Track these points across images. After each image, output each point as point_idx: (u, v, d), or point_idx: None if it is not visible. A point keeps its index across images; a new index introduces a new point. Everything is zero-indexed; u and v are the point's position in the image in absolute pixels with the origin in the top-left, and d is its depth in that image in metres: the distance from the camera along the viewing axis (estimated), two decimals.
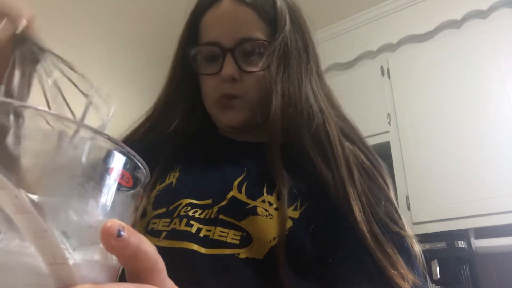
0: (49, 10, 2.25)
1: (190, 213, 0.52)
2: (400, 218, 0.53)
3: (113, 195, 0.25)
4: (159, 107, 0.65)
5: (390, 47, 2.21)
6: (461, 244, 1.66)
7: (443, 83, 1.89)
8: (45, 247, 0.21)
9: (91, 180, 0.24)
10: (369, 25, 2.31)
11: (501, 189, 1.62)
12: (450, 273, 1.66)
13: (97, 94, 0.26)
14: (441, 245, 1.68)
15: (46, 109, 0.22)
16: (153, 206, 0.55)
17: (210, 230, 0.50)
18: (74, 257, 0.22)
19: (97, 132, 0.24)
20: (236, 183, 0.53)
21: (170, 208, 0.53)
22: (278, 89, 0.56)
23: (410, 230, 0.53)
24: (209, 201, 0.52)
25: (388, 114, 2.01)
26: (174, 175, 0.59)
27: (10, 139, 0.24)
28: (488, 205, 1.63)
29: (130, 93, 3.09)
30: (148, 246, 0.24)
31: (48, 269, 0.21)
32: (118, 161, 0.25)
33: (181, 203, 0.53)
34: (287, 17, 0.60)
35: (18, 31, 0.37)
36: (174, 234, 0.50)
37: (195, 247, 0.48)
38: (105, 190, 0.24)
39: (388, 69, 2.10)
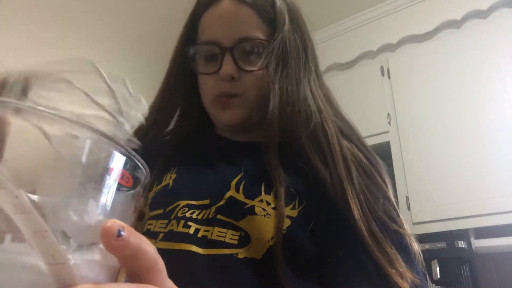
0: (49, 10, 2.25)
1: (187, 214, 0.51)
2: (398, 216, 0.53)
3: (113, 195, 0.25)
4: (156, 107, 0.65)
5: (390, 47, 2.21)
6: (461, 244, 1.66)
7: (443, 83, 1.89)
8: (45, 247, 0.21)
9: (91, 180, 0.24)
10: (369, 25, 2.31)
11: (501, 189, 1.62)
12: (450, 273, 1.66)
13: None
14: (441, 245, 1.68)
15: (46, 109, 0.22)
16: (149, 208, 0.55)
17: (208, 231, 0.49)
18: (74, 257, 0.22)
19: (97, 132, 0.24)
20: (233, 183, 0.53)
21: (167, 209, 0.53)
22: (276, 88, 0.56)
23: (408, 228, 0.53)
24: (206, 201, 0.52)
25: (388, 114, 2.01)
26: (170, 176, 0.59)
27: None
28: (488, 205, 1.63)
29: None
30: (148, 246, 0.24)
31: (48, 269, 0.21)
32: (118, 161, 0.25)
33: (179, 204, 0.53)
34: (286, 17, 0.60)
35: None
36: (172, 236, 0.50)
37: (193, 248, 0.48)
38: (105, 190, 0.24)
39: (388, 69, 2.10)
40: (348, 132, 0.60)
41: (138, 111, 0.24)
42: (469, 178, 1.70)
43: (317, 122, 0.55)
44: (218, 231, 0.49)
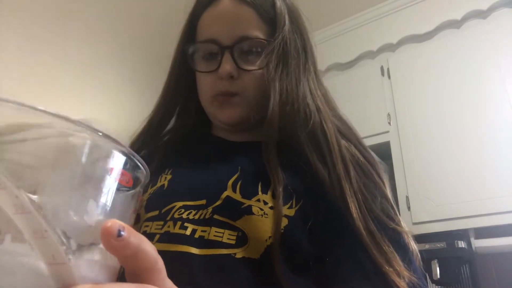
0: (49, 10, 2.25)
1: (184, 215, 0.51)
2: (396, 214, 0.53)
3: (113, 195, 0.25)
4: (159, 106, 0.65)
5: (390, 47, 2.21)
6: (461, 244, 1.66)
7: (443, 83, 1.89)
8: (45, 247, 0.21)
9: (91, 180, 0.24)
10: (369, 25, 2.31)
11: (501, 189, 1.62)
12: (450, 273, 1.66)
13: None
14: (441, 245, 1.68)
15: (45, 109, 0.22)
16: (145, 209, 0.55)
17: (205, 231, 0.49)
18: (74, 257, 0.22)
19: (97, 132, 0.24)
20: (230, 182, 0.53)
21: (163, 210, 0.53)
22: (276, 87, 0.56)
23: (406, 226, 0.53)
24: (203, 202, 0.52)
25: (388, 114, 2.01)
26: (165, 177, 0.59)
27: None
28: (488, 205, 1.63)
29: (131, 93, 3.09)
30: (148, 246, 0.24)
31: (48, 269, 0.21)
32: (118, 161, 0.25)
33: (174, 205, 0.53)
34: (287, 17, 0.60)
35: None
36: (168, 237, 0.50)
37: (190, 249, 0.48)
38: (105, 190, 0.24)
39: (388, 69, 2.10)
40: (346, 132, 0.60)
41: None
42: (469, 178, 1.70)
43: (316, 121, 0.55)
44: (215, 231, 0.49)
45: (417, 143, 1.88)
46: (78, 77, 2.85)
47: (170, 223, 0.51)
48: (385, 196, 0.54)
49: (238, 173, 0.54)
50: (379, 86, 2.09)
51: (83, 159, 0.24)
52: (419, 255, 0.53)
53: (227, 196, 0.51)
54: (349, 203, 0.49)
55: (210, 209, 0.51)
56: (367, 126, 2.02)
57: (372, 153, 0.60)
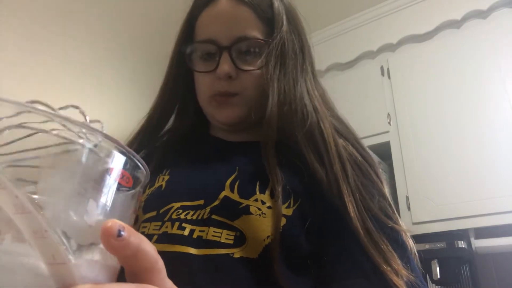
0: (49, 10, 2.25)
1: (182, 216, 0.51)
2: (394, 212, 0.53)
3: (113, 195, 0.25)
4: (156, 106, 0.66)
5: (390, 47, 2.21)
6: (461, 244, 1.66)
7: (443, 83, 1.89)
8: (45, 247, 0.21)
9: (91, 180, 0.24)
10: (369, 25, 2.31)
11: (501, 189, 1.62)
12: (450, 273, 1.66)
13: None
14: (441, 245, 1.68)
15: (45, 109, 0.22)
16: (143, 210, 0.55)
17: (203, 231, 0.49)
18: (74, 257, 0.22)
19: (97, 132, 0.24)
20: (228, 182, 0.53)
21: (161, 211, 0.53)
22: (274, 87, 0.56)
23: (404, 225, 0.53)
24: (201, 202, 0.52)
25: (388, 114, 2.01)
26: (163, 178, 0.59)
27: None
28: (488, 205, 1.63)
29: (131, 93, 3.09)
30: (148, 246, 0.24)
31: (48, 269, 0.21)
32: (118, 161, 0.25)
33: (172, 206, 0.53)
34: (284, 17, 0.60)
35: None
36: (166, 238, 0.50)
37: (188, 249, 0.48)
38: (105, 190, 0.24)
39: (388, 69, 2.10)
40: (344, 131, 0.60)
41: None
42: (469, 178, 1.70)
43: (313, 121, 0.55)
44: (214, 231, 0.49)
45: (417, 143, 1.88)
46: (78, 77, 2.85)
47: (168, 223, 0.51)
48: (383, 195, 0.54)
49: (236, 173, 0.54)
50: (379, 86, 2.09)
51: (83, 159, 0.24)
52: (417, 253, 0.53)
53: (225, 196, 0.52)
54: (346, 202, 0.49)
55: (208, 209, 0.51)
56: (367, 126, 2.02)
57: (371, 153, 0.60)
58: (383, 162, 2.01)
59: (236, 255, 0.47)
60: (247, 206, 0.50)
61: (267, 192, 0.51)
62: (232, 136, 0.63)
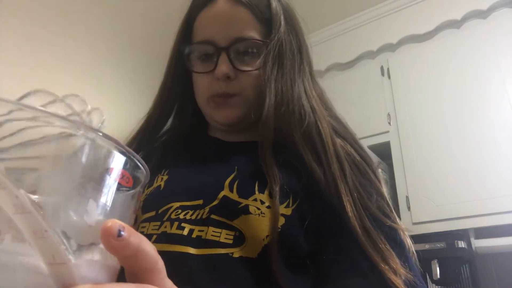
0: (49, 10, 2.25)
1: (181, 216, 0.51)
2: (392, 211, 0.53)
3: (113, 195, 0.25)
4: (155, 106, 0.66)
5: (390, 47, 2.21)
6: (461, 244, 1.66)
7: (443, 83, 1.89)
8: (45, 247, 0.21)
9: (91, 180, 0.24)
10: (369, 25, 2.31)
11: (501, 189, 1.62)
12: (450, 273, 1.66)
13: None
14: (441, 245, 1.68)
15: (45, 109, 0.22)
16: (142, 210, 0.55)
17: (202, 231, 0.49)
18: (74, 257, 0.22)
19: (97, 132, 0.24)
20: (227, 182, 0.53)
21: (160, 211, 0.53)
22: (272, 88, 0.56)
23: (402, 224, 0.53)
24: (200, 202, 0.52)
25: (388, 114, 2.01)
26: (162, 178, 0.59)
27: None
28: (488, 205, 1.63)
29: (131, 93, 3.09)
30: (148, 246, 0.24)
31: (48, 269, 0.21)
32: (118, 161, 0.25)
33: (171, 206, 0.53)
34: (282, 18, 0.60)
35: None
36: (165, 238, 0.50)
37: (187, 249, 0.48)
38: (105, 190, 0.24)
39: (388, 69, 2.10)
40: (342, 131, 0.60)
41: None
42: (469, 178, 1.70)
43: (311, 121, 0.55)
44: (213, 231, 0.49)
45: (417, 143, 1.88)
46: (78, 77, 2.85)
47: (167, 223, 0.51)
48: (381, 194, 0.54)
49: (234, 173, 0.54)
50: (379, 86, 2.09)
51: (83, 159, 0.24)
52: (415, 252, 0.53)
53: (224, 196, 0.52)
54: (344, 201, 0.49)
55: (207, 209, 0.51)
56: (367, 126, 2.02)
57: (370, 152, 0.60)
58: (383, 162, 2.01)
59: (236, 255, 0.47)
60: (246, 206, 0.50)
61: (266, 192, 0.51)
62: (231, 137, 0.63)
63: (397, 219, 0.53)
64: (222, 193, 0.52)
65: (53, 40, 2.48)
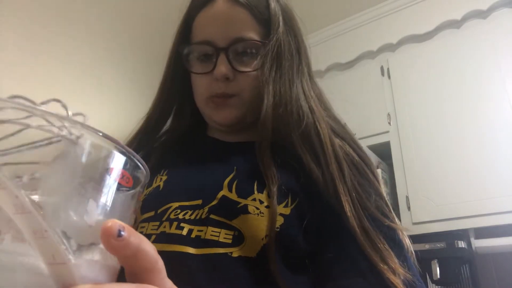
0: (49, 10, 2.25)
1: (180, 216, 0.51)
2: (390, 211, 0.54)
3: (113, 195, 0.25)
4: (154, 107, 0.66)
5: (390, 47, 2.21)
6: (461, 244, 1.66)
7: (443, 83, 1.89)
8: (45, 247, 0.21)
9: (91, 180, 0.24)
10: (369, 25, 2.31)
11: (501, 189, 1.62)
12: (450, 273, 1.66)
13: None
14: (441, 245, 1.68)
15: (46, 109, 0.22)
16: (141, 211, 0.55)
17: (201, 230, 0.49)
18: (74, 257, 0.22)
19: (97, 132, 0.24)
20: (226, 182, 0.53)
21: (159, 211, 0.53)
22: (270, 89, 0.56)
23: (402, 224, 0.53)
24: (199, 202, 0.52)
25: (388, 114, 2.01)
26: (161, 178, 0.59)
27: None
28: (488, 205, 1.63)
29: (131, 93, 3.09)
30: (148, 246, 0.24)
31: (48, 269, 0.21)
32: (118, 161, 0.25)
33: (170, 206, 0.53)
34: (281, 18, 0.60)
35: None
36: (164, 237, 0.50)
37: (186, 249, 0.48)
38: (105, 190, 0.24)
39: (388, 69, 2.10)
40: (340, 131, 0.60)
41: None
42: (469, 178, 1.70)
43: (310, 122, 0.55)
44: (212, 231, 0.49)
45: (417, 143, 1.88)
46: (78, 77, 2.85)
47: (166, 223, 0.51)
48: (379, 194, 0.54)
49: (233, 172, 0.55)
50: (379, 86, 2.09)
51: (83, 159, 0.24)
52: (413, 252, 0.53)
53: (223, 196, 0.52)
54: (343, 201, 0.49)
55: (206, 209, 0.51)
56: (367, 126, 2.02)
57: (370, 152, 0.60)
58: (383, 162, 2.01)
59: (235, 254, 0.47)
60: (245, 206, 0.50)
61: (265, 192, 0.51)
62: (230, 137, 0.63)
63: (396, 219, 0.53)
64: (221, 193, 0.52)
65: (53, 40, 2.49)
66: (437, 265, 1.66)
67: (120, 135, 0.64)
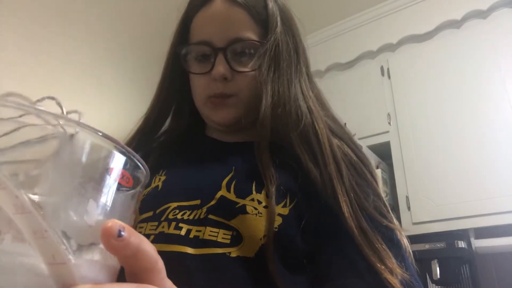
0: (49, 10, 2.25)
1: (179, 216, 0.51)
2: (388, 211, 0.54)
3: (113, 195, 0.25)
4: (153, 107, 0.66)
5: (390, 47, 2.21)
6: (461, 244, 1.66)
7: (443, 83, 1.89)
8: (45, 247, 0.21)
9: (91, 180, 0.24)
10: (369, 25, 2.31)
11: (501, 189, 1.62)
12: (450, 273, 1.66)
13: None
14: (441, 245, 1.68)
15: (46, 109, 0.22)
16: (140, 211, 0.56)
17: (200, 231, 0.50)
18: (74, 257, 0.22)
19: (97, 132, 0.24)
20: (224, 182, 0.53)
21: (157, 211, 0.53)
22: (268, 89, 0.56)
23: (402, 225, 0.53)
24: (197, 202, 0.52)
25: (388, 114, 2.01)
26: (160, 179, 0.59)
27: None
28: (488, 205, 1.63)
29: (131, 93, 3.09)
30: (148, 246, 0.24)
31: (48, 269, 0.21)
32: (118, 161, 0.25)
33: (169, 206, 0.53)
34: (278, 18, 0.60)
35: None
36: (163, 238, 0.50)
37: (185, 249, 0.48)
38: (105, 190, 0.24)
39: (388, 69, 2.10)
40: (338, 132, 0.60)
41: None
42: (469, 178, 1.70)
43: (308, 122, 0.55)
44: (210, 231, 0.49)
45: (417, 143, 1.88)
46: (78, 77, 2.85)
47: (165, 223, 0.51)
48: (377, 195, 0.55)
49: (232, 173, 0.55)
50: (379, 86, 2.09)
51: (83, 159, 0.24)
52: (411, 252, 0.53)
53: (222, 196, 0.52)
54: (340, 202, 0.49)
55: (204, 209, 0.51)
56: (367, 126, 2.02)
57: (369, 152, 0.60)
58: (383, 162, 2.01)
59: (233, 255, 0.48)
60: (244, 206, 0.50)
61: (263, 192, 0.51)
62: (228, 137, 0.63)
63: (394, 219, 0.53)
64: (219, 193, 0.52)
65: (53, 40, 2.48)
66: (437, 265, 1.66)
67: (120, 135, 0.64)
